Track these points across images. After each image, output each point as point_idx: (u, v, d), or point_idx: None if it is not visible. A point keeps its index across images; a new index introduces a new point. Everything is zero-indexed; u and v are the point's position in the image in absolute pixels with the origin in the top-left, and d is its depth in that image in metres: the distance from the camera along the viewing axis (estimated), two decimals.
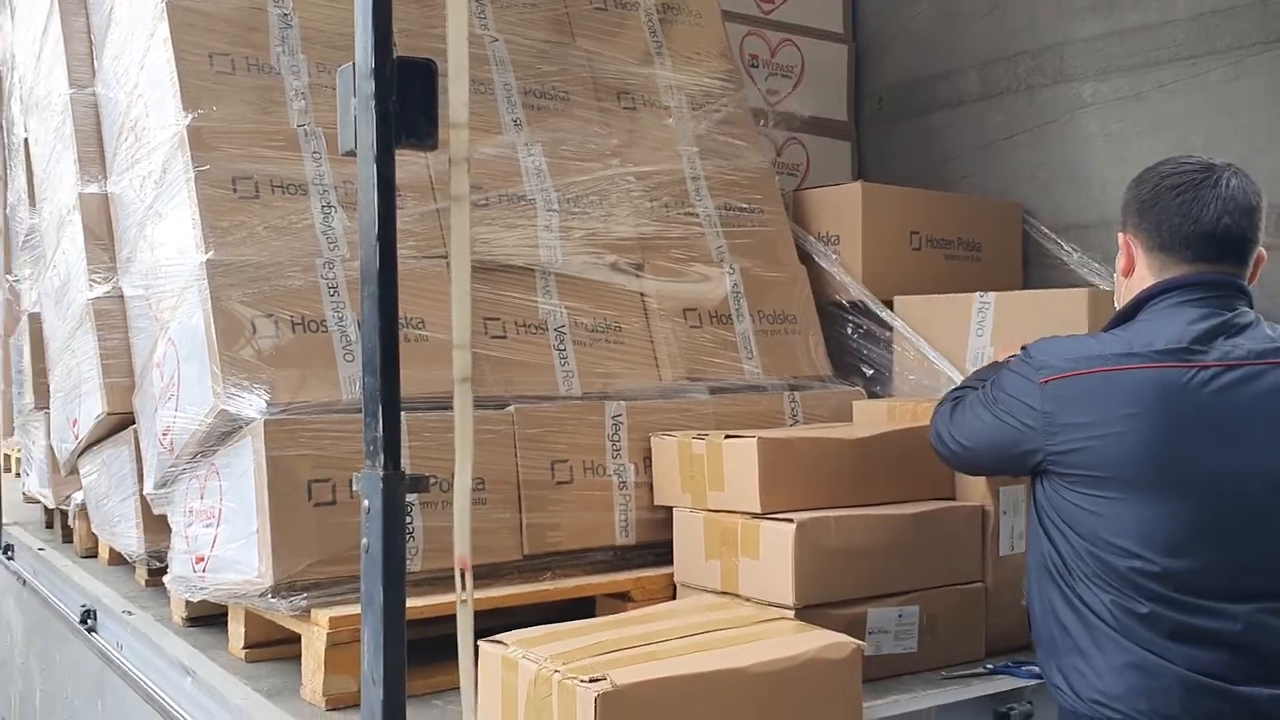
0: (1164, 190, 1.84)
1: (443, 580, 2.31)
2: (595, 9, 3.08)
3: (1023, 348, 1.91)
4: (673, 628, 1.92)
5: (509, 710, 1.78)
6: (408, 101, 1.51)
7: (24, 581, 3.80)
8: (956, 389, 2.11)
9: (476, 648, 1.85)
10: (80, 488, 3.69)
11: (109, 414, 2.94)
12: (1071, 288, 3.11)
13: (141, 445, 2.79)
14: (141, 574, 3.20)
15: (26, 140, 3.87)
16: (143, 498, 2.87)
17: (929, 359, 2.74)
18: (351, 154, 1.57)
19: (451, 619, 1.46)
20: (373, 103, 1.49)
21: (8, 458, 5.57)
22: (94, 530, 3.46)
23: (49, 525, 4.23)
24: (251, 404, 2.22)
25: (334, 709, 2.07)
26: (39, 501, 4.24)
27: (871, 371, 2.99)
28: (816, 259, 3.11)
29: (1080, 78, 3.48)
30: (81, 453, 3.31)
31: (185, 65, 2.46)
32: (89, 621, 3.03)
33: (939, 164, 3.82)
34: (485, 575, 2.38)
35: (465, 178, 1.51)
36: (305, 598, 2.14)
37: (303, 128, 2.54)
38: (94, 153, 3.16)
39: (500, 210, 2.68)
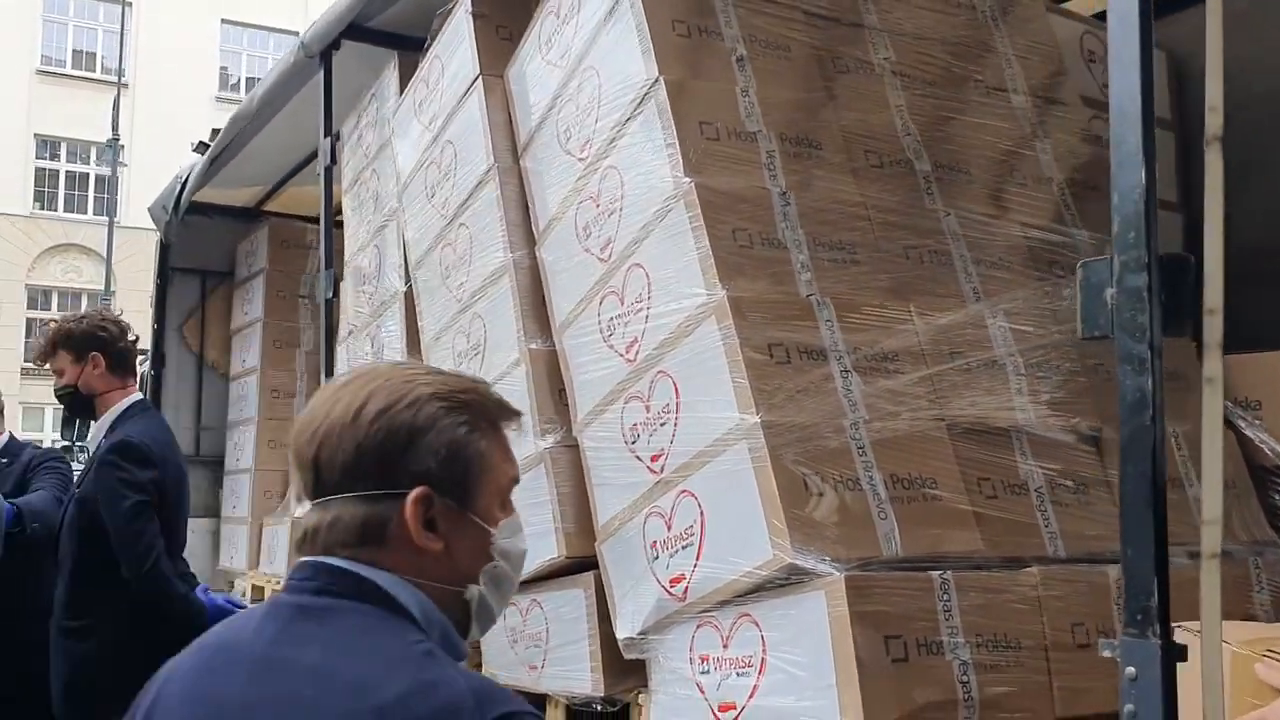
0: None
1: None
2: (1019, 185, 3.26)
3: None
4: None
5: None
6: (1171, 294, 1.65)
7: None
8: None
9: None
10: None
11: (567, 558, 3.10)
12: None
13: (612, 589, 2.92)
14: (558, 717, 3.31)
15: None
16: (602, 641, 3.01)
17: None
18: (1095, 338, 1.71)
19: None
20: (1143, 294, 1.63)
21: None
22: (491, 670, 3.58)
23: None
24: (814, 559, 2.34)
25: None
26: None
27: None
28: (1236, 423, 3.18)
29: None
30: None
31: (715, 241, 2.66)
32: None
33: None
34: None
35: (1218, 360, 1.65)
36: None
37: (811, 296, 2.72)
38: (537, 313, 3.40)
39: (978, 375, 2.81)
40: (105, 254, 25.54)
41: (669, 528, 2.72)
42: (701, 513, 2.60)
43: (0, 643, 4.06)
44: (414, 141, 4.11)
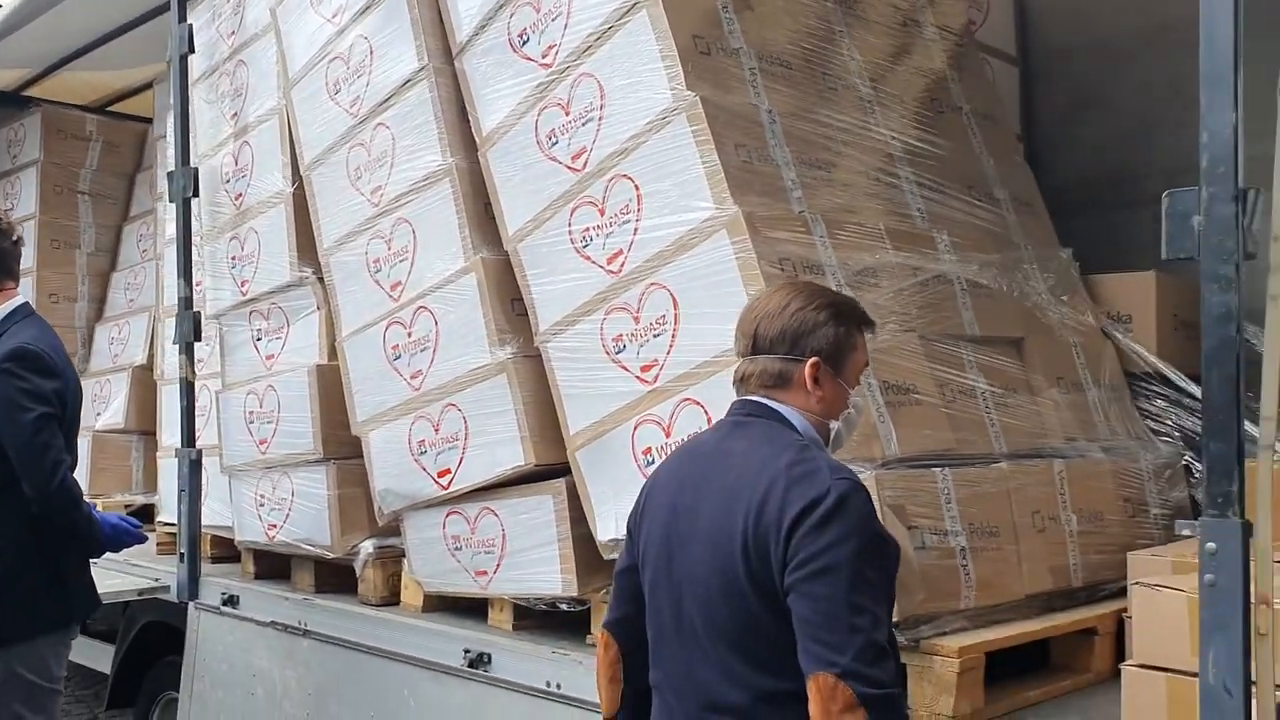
0: None
1: (985, 614, 2.67)
2: (939, 112, 3.52)
3: None
4: None
5: None
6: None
7: (305, 632, 3.82)
8: None
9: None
10: (369, 536, 3.80)
11: (536, 465, 3.13)
12: None
13: (589, 494, 2.99)
14: (504, 619, 3.36)
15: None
16: (574, 543, 3.08)
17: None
18: (1181, 259, 1.96)
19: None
20: (1232, 223, 1.89)
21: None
22: (419, 578, 3.57)
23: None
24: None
25: None
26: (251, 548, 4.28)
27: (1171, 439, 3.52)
28: (1113, 335, 3.62)
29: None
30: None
31: (723, 156, 2.74)
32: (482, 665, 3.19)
33: (1121, 254, 4.39)
34: (985, 612, 2.72)
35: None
36: (918, 630, 2.45)
37: (804, 213, 2.86)
38: (481, 221, 3.35)
39: (933, 291, 3.06)
40: None
41: (668, 434, 2.81)
42: (709, 419, 2.71)
43: None
44: (310, 35, 3.87)
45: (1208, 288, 1.95)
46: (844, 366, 2.04)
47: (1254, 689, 1.91)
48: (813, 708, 1.74)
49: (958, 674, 2.39)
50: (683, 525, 1.99)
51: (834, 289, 2.74)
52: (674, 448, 2.78)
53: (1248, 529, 1.91)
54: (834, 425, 2.06)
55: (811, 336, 2.00)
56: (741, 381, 2.06)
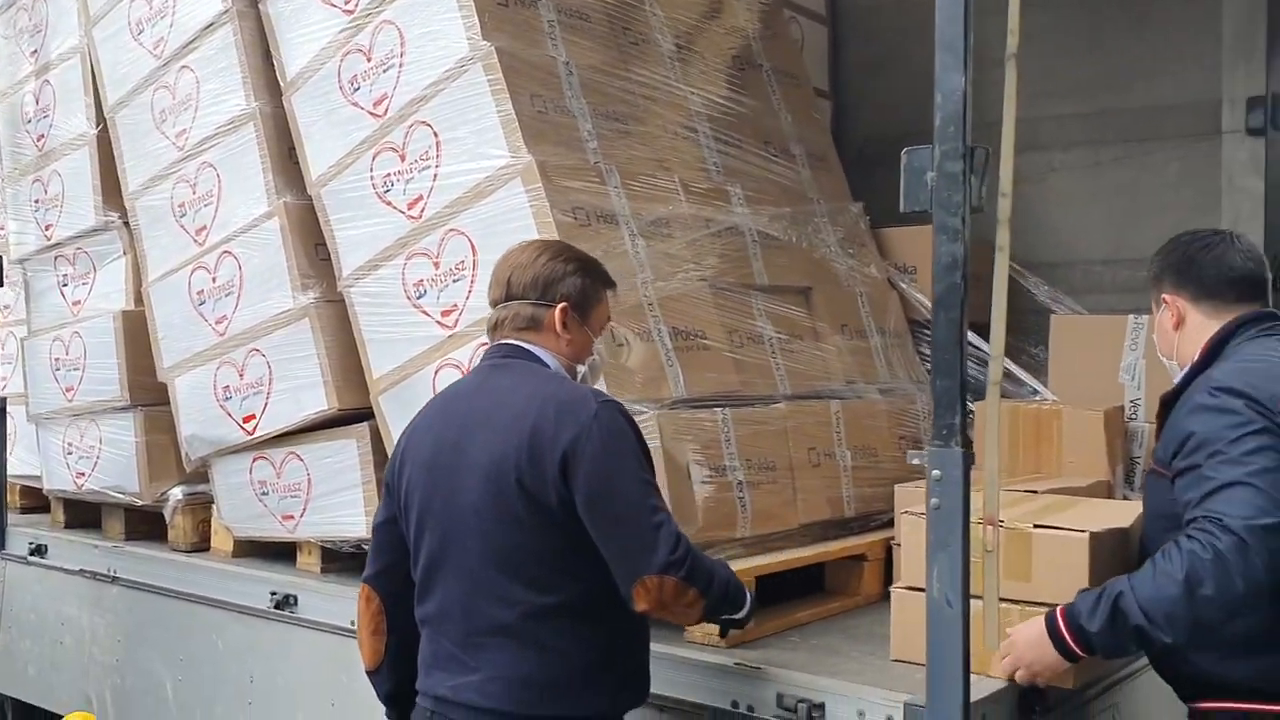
0: (1195, 252, 2.32)
1: (760, 542, 2.85)
2: (740, 69, 3.66)
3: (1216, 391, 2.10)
4: (1045, 507, 2.50)
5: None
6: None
7: (114, 579, 3.80)
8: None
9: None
10: (178, 482, 3.79)
11: (339, 410, 3.18)
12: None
13: (393, 437, 3.05)
14: (312, 562, 3.41)
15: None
16: (378, 486, 3.14)
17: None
18: (916, 213, 2.13)
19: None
20: (959, 178, 2.06)
21: None
22: (228, 524, 3.58)
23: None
24: (628, 403, 2.64)
25: (731, 646, 2.55)
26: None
27: None
28: (899, 285, 3.85)
29: (1050, 147, 4.44)
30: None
31: (518, 106, 2.81)
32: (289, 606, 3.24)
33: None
34: (763, 539, 2.91)
35: (1007, 232, 2.14)
36: None
37: (599, 164, 2.96)
38: (285, 166, 3.34)
39: (725, 241, 3.21)
40: None
41: None
42: None
43: None
44: None
45: (938, 238, 2.13)
46: (590, 316, 2.25)
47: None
48: (646, 607, 2.02)
49: None
50: (449, 462, 2.11)
51: (626, 239, 2.88)
52: None
53: (969, 457, 2.10)
54: (580, 369, 2.26)
55: (561, 284, 2.20)
56: (496, 327, 2.24)
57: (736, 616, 2.31)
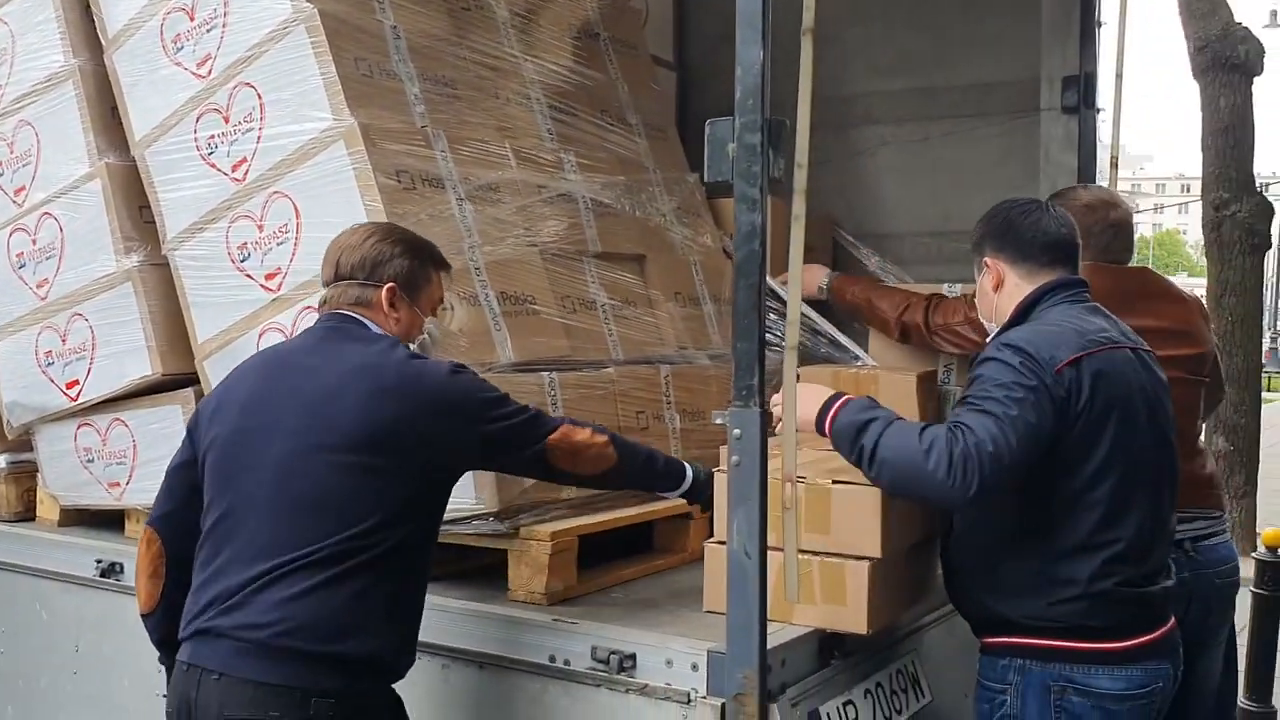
0: (1015, 217, 2.50)
1: (588, 504, 2.91)
2: (575, 38, 3.69)
3: (1004, 346, 2.31)
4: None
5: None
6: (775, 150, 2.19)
7: None
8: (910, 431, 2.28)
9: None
10: (0, 451, 3.68)
11: (163, 375, 3.13)
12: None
13: None
14: (139, 529, 3.34)
15: None
16: None
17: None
18: (719, 183, 2.21)
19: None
20: (757, 150, 2.15)
21: None
22: (54, 492, 3.49)
23: None
24: None
25: (553, 604, 2.62)
26: None
27: None
28: (730, 253, 3.94)
29: (883, 122, 4.60)
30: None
31: (342, 69, 2.80)
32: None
33: None
34: (591, 501, 2.98)
35: (803, 202, 2.23)
36: (518, 519, 2.67)
37: (426, 128, 2.97)
38: (107, 125, 3.26)
39: (558, 207, 3.25)
40: None
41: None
42: None
43: None
44: None
45: (738, 208, 2.22)
46: (418, 296, 2.37)
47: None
48: (566, 465, 2.37)
49: (549, 555, 2.62)
50: (267, 413, 2.19)
51: (453, 202, 2.90)
52: None
53: (765, 417, 2.20)
54: (412, 346, 2.35)
55: (387, 265, 2.31)
56: (325, 305, 2.35)
57: (681, 489, 2.59)
